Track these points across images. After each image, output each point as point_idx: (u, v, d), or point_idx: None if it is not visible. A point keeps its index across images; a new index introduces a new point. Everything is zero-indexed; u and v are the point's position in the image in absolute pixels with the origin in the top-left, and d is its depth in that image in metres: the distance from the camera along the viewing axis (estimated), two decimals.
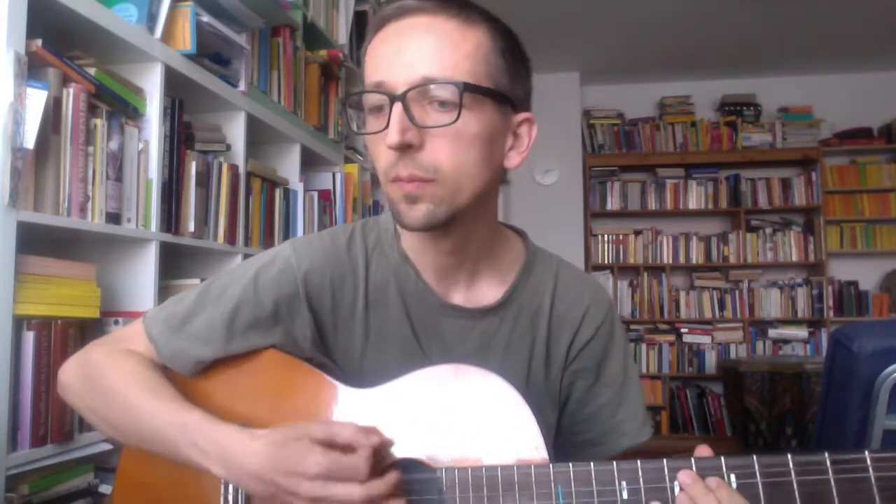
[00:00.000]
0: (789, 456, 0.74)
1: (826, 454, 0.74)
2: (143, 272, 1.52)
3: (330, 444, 0.74)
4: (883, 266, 5.08)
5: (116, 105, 1.43)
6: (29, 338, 1.19)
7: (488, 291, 0.92)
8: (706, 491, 0.72)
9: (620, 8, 4.12)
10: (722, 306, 5.14)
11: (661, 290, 5.21)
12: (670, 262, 5.21)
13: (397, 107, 0.76)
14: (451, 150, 0.78)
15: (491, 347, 0.91)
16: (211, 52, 1.79)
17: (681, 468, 0.75)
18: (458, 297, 0.91)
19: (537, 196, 5.10)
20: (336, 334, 0.91)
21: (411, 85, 0.76)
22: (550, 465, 0.77)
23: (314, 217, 2.43)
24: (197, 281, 1.68)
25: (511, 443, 0.80)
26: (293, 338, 0.89)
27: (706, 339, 5.09)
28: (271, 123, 2.10)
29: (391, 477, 0.75)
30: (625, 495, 0.75)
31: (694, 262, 5.22)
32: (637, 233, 5.27)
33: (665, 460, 0.76)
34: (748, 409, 4.19)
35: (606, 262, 5.27)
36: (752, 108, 5.24)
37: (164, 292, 1.55)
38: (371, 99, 0.80)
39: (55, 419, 1.23)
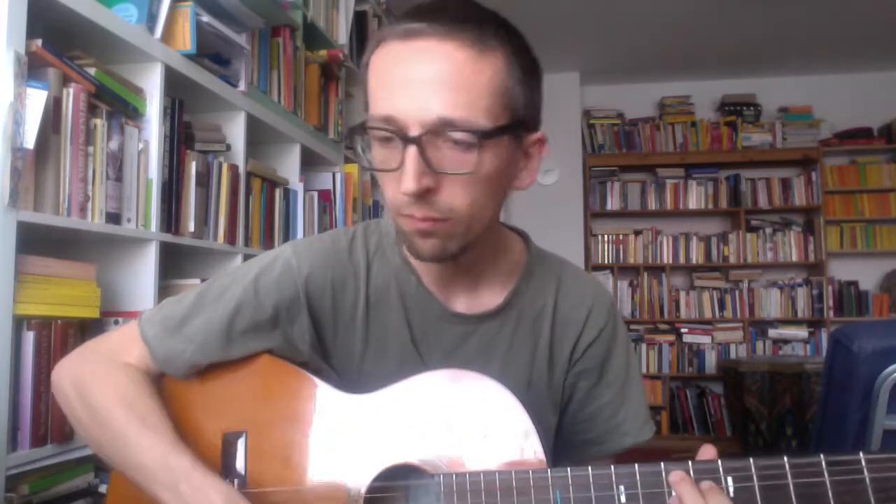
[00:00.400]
0: (785, 458, 0.74)
1: (822, 456, 0.74)
2: (143, 272, 1.52)
3: None
4: (883, 266, 5.08)
5: (116, 105, 1.43)
6: (29, 338, 1.19)
7: (489, 296, 0.92)
8: (694, 492, 0.71)
9: (620, 8, 4.12)
10: (722, 306, 5.14)
11: (661, 290, 5.21)
12: (670, 262, 5.21)
13: (412, 150, 0.72)
14: (468, 192, 0.76)
15: (491, 352, 0.91)
16: (211, 52, 1.79)
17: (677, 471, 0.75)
18: (460, 304, 0.91)
19: (537, 196, 5.09)
20: (335, 338, 0.90)
21: (427, 128, 0.72)
22: (548, 471, 0.77)
23: (314, 217, 2.43)
24: (197, 281, 1.68)
25: (509, 448, 0.79)
26: (291, 341, 0.88)
27: (706, 339, 5.09)
28: (271, 123, 2.10)
29: None
30: (623, 499, 0.75)
31: (694, 262, 5.22)
32: (637, 233, 5.27)
33: (663, 464, 0.75)
34: (748, 409, 4.19)
35: (606, 262, 5.27)
36: (752, 108, 5.24)
37: (164, 292, 1.55)
38: (380, 131, 0.75)
39: (55, 419, 1.23)
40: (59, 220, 1.26)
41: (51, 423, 1.23)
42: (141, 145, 1.50)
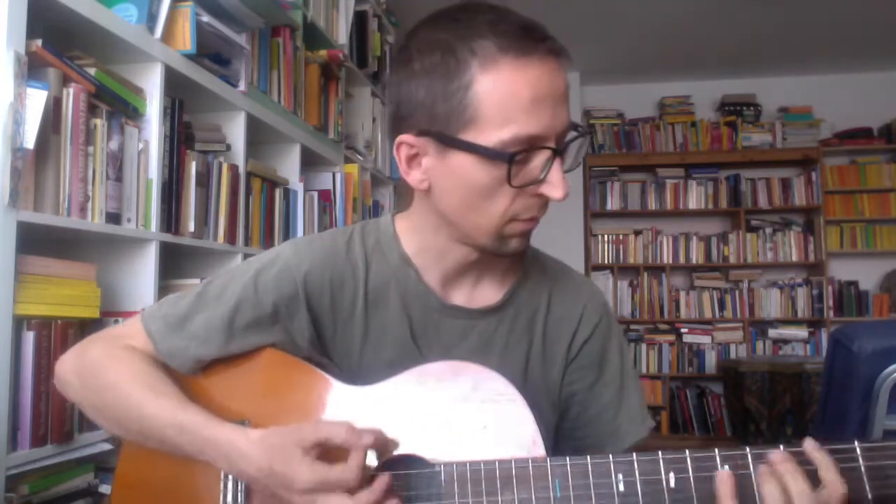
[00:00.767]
0: (781, 447, 0.75)
1: (817, 444, 0.75)
2: (143, 272, 1.52)
3: (323, 446, 0.75)
4: (883, 266, 5.08)
5: (116, 105, 1.43)
6: (29, 338, 1.19)
7: (489, 292, 0.94)
8: (795, 469, 0.73)
9: (620, 8, 4.12)
10: (722, 306, 5.14)
11: (661, 290, 5.21)
12: (670, 262, 5.21)
13: (558, 161, 0.79)
14: None
15: (489, 348, 0.92)
16: (211, 52, 1.79)
17: (675, 460, 0.76)
18: (460, 298, 0.93)
19: None
20: (334, 335, 0.91)
21: (563, 138, 0.80)
22: (548, 459, 0.78)
23: (314, 217, 2.43)
24: (197, 281, 1.68)
25: (509, 437, 0.80)
26: (292, 337, 0.90)
27: (706, 339, 5.09)
28: (271, 123, 2.10)
29: (380, 483, 0.76)
30: (621, 487, 0.76)
31: (694, 262, 5.22)
32: (637, 233, 5.27)
33: (660, 452, 0.77)
34: (748, 409, 4.19)
35: (606, 262, 5.27)
36: (752, 108, 5.24)
37: (164, 292, 1.55)
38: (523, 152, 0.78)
39: (55, 419, 1.23)
40: (59, 220, 1.26)
41: (51, 423, 1.23)
42: (141, 145, 1.50)
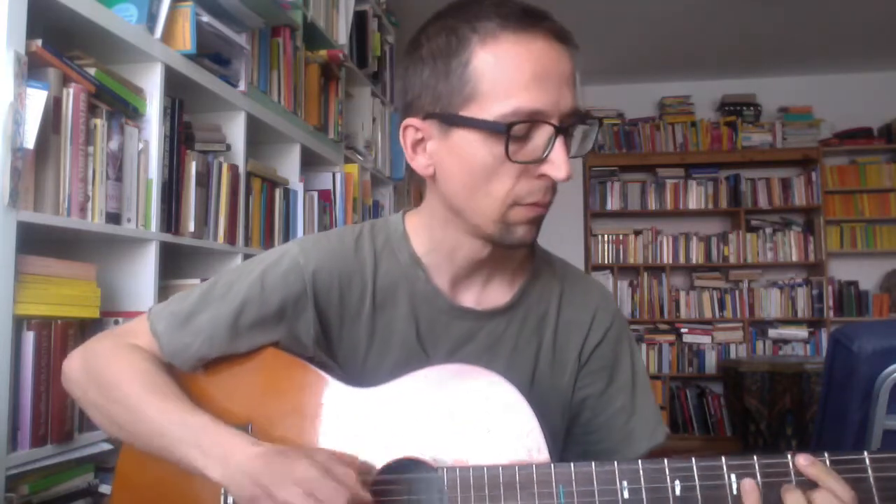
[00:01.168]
0: (789, 456, 0.74)
1: (826, 455, 0.74)
2: (143, 272, 1.52)
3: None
4: (883, 266, 5.08)
5: (116, 105, 1.43)
6: (29, 338, 1.19)
7: (499, 293, 0.93)
8: (828, 471, 0.73)
9: (620, 8, 4.12)
10: (722, 306, 5.14)
11: (661, 290, 5.21)
12: (670, 262, 5.21)
13: (561, 139, 0.77)
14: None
15: (497, 349, 0.91)
16: (211, 52, 1.78)
17: (682, 468, 0.75)
18: (470, 300, 0.92)
19: None
20: (341, 334, 0.91)
21: (567, 118, 0.78)
22: (552, 465, 0.77)
23: (314, 217, 2.43)
24: (197, 281, 1.68)
25: (512, 442, 0.80)
26: (297, 336, 0.89)
27: (706, 339, 5.09)
28: (271, 123, 2.10)
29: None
30: (626, 495, 0.75)
31: (694, 262, 5.22)
32: (637, 233, 5.27)
33: (666, 461, 0.76)
34: (748, 409, 4.19)
35: (606, 262, 5.27)
36: (752, 108, 5.24)
37: (164, 292, 1.55)
38: (521, 126, 0.77)
39: (55, 419, 1.23)
40: (59, 220, 1.26)
41: (51, 423, 1.23)
42: (141, 145, 1.50)
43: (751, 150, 5.16)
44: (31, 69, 1.19)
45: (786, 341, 5.05)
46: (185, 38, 1.63)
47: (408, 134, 0.83)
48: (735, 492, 0.74)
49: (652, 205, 5.26)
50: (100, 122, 1.36)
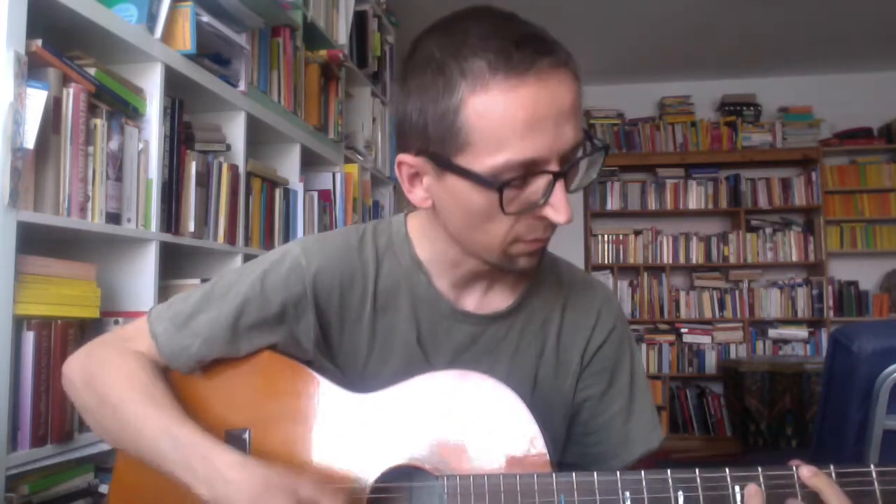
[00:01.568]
0: (794, 468, 0.74)
1: (832, 467, 0.74)
2: (143, 272, 1.52)
3: None
4: (883, 266, 5.08)
5: (116, 105, 1.43)
6: (29, 338, 1.19)
7: (500, 298, 0.92)
8: (831, 483, 0.72)
9: (620, 8, 4.12)
10: (722, 306, 5.14)
11: (661, 290, 5.21)
12: (670, 262, 5.21)
13: (560, 183, 0.75)
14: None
15: (499, 353, 0.91)
16: (211, 52, 1.78)
17: (685, 479, 0.75)
18: (471, 304, 0.91)
19: None
20: (341, 336, 0.90)
21: (565, 160, 0.75)
22: (553, 474, 0.76)
23: (314, 217, 2.43)
24: (197, 281, 1.69)
25: (513, 450, 0.79)
26: (297, 339, 0.89)
27: (706, 339, 5.09)
28: (271, 123, 2.10)
29: None
30: None
31: (694, 262, 5.22)
32: (637, 233, 5.27)
33: (669, 471, 0.75)
34: (748, 409, 4.19)
35: (606, 262, 5.27)
36: (752, 108, 5.24)
37: (164, 292, 1.55)
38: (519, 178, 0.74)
39: (55, 419, 1.23)
40: (59, 220, 1.26)
41: (51, 423, 1.23)
42: (141, 145, 1.50)
43: (751, 150, 5.16)
44: (31, 69, 1.19)
45: (786, 341, 5.05)
46: (185, 38, 1.63)
47: (403, 169, 0.81)
48: (739, 503, 0.74)
49: (652, 205, 5.26)
50: (100, 122, 1.36)
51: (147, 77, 1.54)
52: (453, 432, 0.80)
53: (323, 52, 2.54)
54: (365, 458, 0.82)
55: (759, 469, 0.74)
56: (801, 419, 3.98)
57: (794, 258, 5.11)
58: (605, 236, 5.28)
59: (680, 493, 0.74)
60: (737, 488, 0.74)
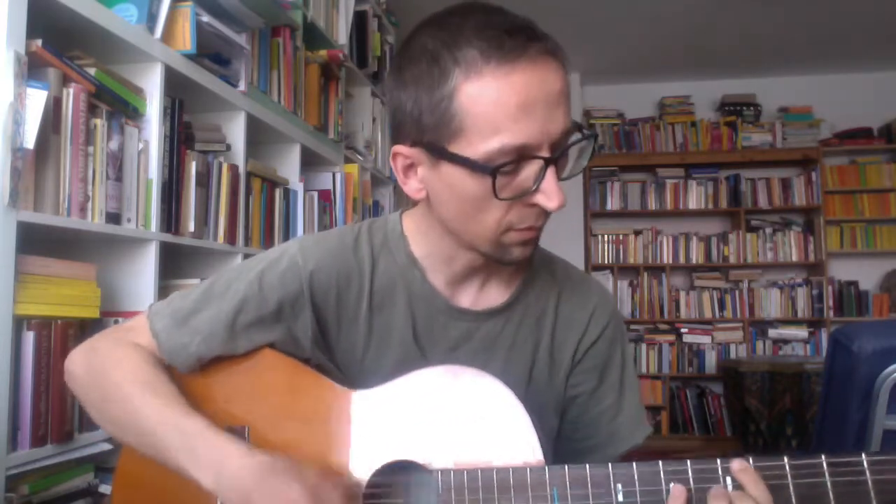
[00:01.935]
0: (786, 459, 0.74)
1: (823, 457, 0.74)
2: (143, 272, 1.52)
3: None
4: (883, 266, 5.08)
5: (116, 105, 1.43)
6: (29, 338, 1.19)
7: (495, 293, 0.93)
8: (757, 480, 0.73)
9: (620, 8, 4.12)
10: (722, 306, 5.14)
11: (661, 290, 5.21)
12: (670, 262, 5.21)
13: (552, 170, 0.76)
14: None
15: (494, 349, 0.92)
16: (211, 52, 1.79)
17: (676, 471, 0.75)
18: (466, 300, 0.92)
19: None
20: (339, 333, 0.91)
21: (557, 145, 0.76)
22: (546, 468, 0.77)
23: (314, 217, 2.43)
24: (197, 281, 1.68)
25: (507, 445, 0.80)
26: (295, 337, 0.89)
27: (706, 339, 5.09)
28: (271, 123, 2.10)
29: None
30: (620, 498, 0.76)
31: (694, 262, 5.22)
32: (637, 233, 5.28)
33: (661, 463, 0.76)
34: (748, 409, 4.19)
35: (606, 262, 5.27)
36: (752, 108, 5.25)
37: (164, 292, 1.55)
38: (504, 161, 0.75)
39: (55, 419, 1.23)
40: (59, 220, 1.26)
41: (51, 423, 1.23)
42: (141, 145, 1.50)
43: (751, 150, 5.16)
44: (31, 69, 1.19)
45: (786, 341, 5.06)
46: (185, 38, 1.63)
47: (398, 160, 0.83)
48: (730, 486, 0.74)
49: (652, 205, 5.26)
50: (100, 122, 1.36)
51: (147, 77, 1.54)
52: (447, 427, 0.81)
53: (323, 52, 2.54)
54: (361, 453, 0.83)
55: (750, 460, 0.75)
56: (801, 419, 3.99)
57: (794, 258, 5.11)
58: (605, 236, 5.28)
59: (671, 485, 0.75)
60: (728, 480, 0.75)
